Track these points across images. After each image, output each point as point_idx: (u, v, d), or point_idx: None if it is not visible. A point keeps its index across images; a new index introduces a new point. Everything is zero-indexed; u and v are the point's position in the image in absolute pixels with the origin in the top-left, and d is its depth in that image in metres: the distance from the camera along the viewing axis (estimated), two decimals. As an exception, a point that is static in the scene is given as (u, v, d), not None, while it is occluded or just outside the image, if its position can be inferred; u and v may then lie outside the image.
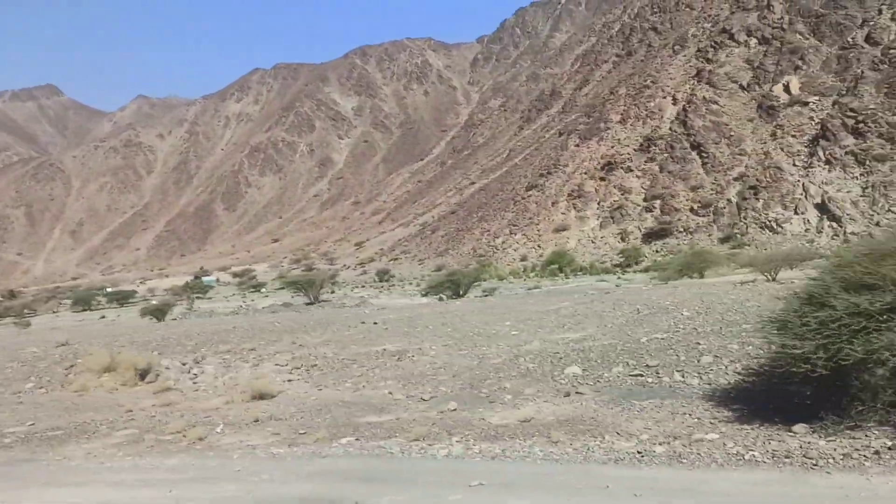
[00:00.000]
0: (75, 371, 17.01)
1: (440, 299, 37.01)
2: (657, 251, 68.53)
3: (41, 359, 19.34)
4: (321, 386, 14.28)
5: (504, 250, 77.26)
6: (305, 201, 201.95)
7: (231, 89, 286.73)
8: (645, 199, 75.11)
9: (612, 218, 75.50)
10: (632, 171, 78.68)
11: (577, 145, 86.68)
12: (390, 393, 13.00)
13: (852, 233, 59.23)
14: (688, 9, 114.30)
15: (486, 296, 36.76)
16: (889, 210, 59.20)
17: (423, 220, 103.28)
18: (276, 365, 16.57)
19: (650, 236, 71.29)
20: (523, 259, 74.36)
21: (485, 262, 73.02)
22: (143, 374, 15.98)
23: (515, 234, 79.02)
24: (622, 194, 76.96)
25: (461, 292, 39.31)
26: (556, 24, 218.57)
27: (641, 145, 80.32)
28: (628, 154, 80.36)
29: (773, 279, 31.04)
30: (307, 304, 41.77)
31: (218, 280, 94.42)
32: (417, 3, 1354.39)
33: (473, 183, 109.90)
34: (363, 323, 21.55)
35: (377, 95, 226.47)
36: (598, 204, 77.94)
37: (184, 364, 17.32)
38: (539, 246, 76.61)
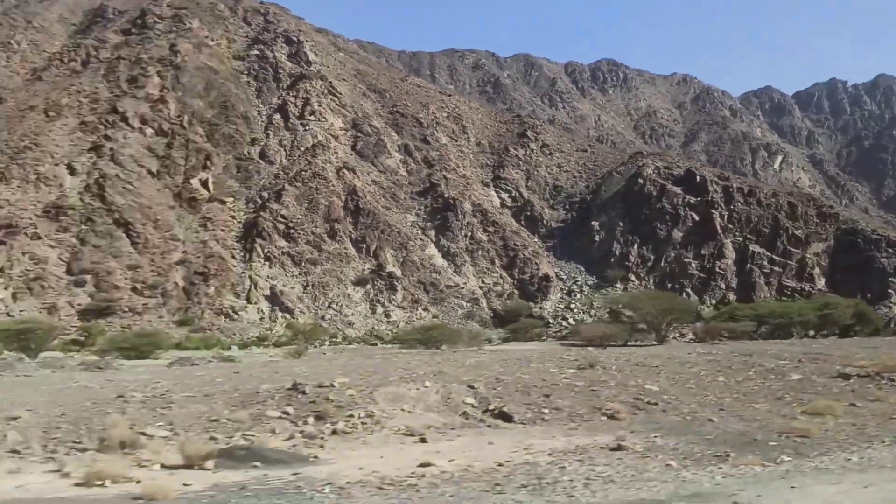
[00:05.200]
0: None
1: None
2: (107, 329, 64.87)
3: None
4: None
5: None
6: None
7: None
8: (70, 273, 69.23)
9: (31, 289, 66.28)
10: (40, 238, 71.08)
11: (-61, 195, 71.23)
12: None
13: (287, 324, 72.38)
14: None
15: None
16: (329, 306, 75.24)
17: None
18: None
19: (89, 313, 66.37)
20: None
21: None
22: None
23: None
24: (36, 264, 68.57)
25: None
26: None
27: (48, 212, 73.64)
28: (30, 219, 72.23)
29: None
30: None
31: None
32: None
33: None
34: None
35: None
36: (3, 271, 66.93)
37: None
38: (-79, 315, 60.07)
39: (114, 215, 74.81)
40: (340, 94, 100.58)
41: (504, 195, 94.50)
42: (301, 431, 11.60)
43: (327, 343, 62.29)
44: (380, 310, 75.92)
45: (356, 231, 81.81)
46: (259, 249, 76.58)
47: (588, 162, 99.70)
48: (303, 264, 77.23)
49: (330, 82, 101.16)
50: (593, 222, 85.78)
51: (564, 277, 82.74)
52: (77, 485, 8.72)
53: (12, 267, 67.43)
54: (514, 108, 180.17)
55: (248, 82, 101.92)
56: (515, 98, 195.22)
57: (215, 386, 14.90)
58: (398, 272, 79.34)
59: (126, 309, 67.62)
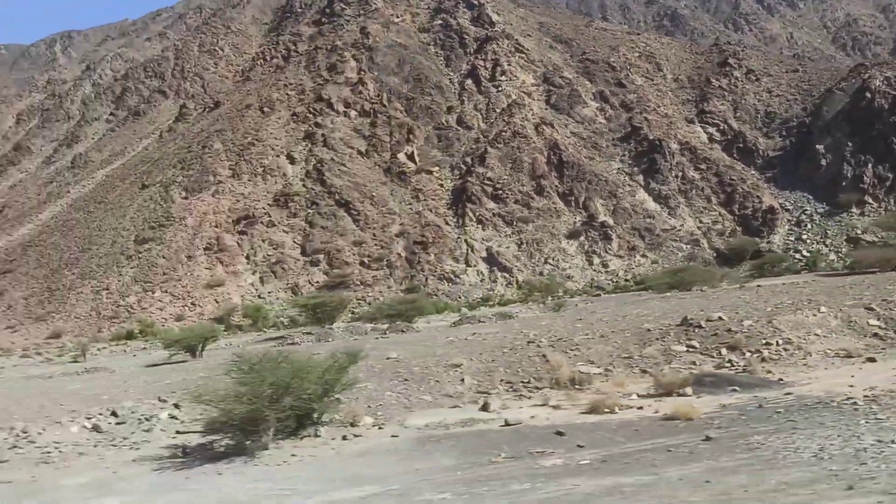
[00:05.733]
0: None
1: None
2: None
3: None
4: None
5: (146, 310, 64.18)
6: None
7: None
8: (304, 254, 74.29)
9: (274, 272, 71.87)
10: (275, 225, 76.73)
11: (186, 198, 79.02)
12: None
13: (524, 281, 73.13)
14: (203, 73, 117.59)
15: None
16: (546, 262, 75.49)
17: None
18: None
19: (327, 289, 70.82)
20: (179, 319, 63.93)
21: (146, 322, 60.32)
22: None
23: (153, 292, 66.41)
24: (275, 248, 74.19)
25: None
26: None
27: (277, 200, 79.37)
28: (263, 208, 78.17)
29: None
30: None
31: None
32: None
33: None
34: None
35: None
36: (248, 259, 73.04)
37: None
38: (194, 304, 66.63)
39: (334, 197, 79.10)
40: (528, 49, 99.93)
41: (711, 129, 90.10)
42: (729, 361, 11.51)
43: (549, 298, 62.64)
44: (596, 260, 75.13)
45: (562, 185, 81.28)
46: (470, 213, 78.02)
47: (801, 83, 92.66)
48: (514, 223, 77.88)
49: (516, 40, 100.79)
50: (817, 146, 79.83)
51: (790, 208, 77.84)
52: (583, 413, 9.09)
53: (255, 254, 73.42)
54: (695, 39, 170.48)
55: (437, 52, 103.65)
56: (696, 28, 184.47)
57: (587, 332, 15.24)
58: (610, 221, 78.04)
59: (358, 282, 71.52)
